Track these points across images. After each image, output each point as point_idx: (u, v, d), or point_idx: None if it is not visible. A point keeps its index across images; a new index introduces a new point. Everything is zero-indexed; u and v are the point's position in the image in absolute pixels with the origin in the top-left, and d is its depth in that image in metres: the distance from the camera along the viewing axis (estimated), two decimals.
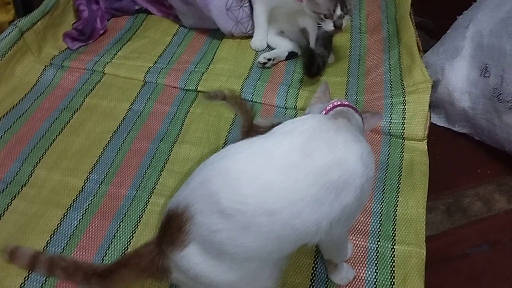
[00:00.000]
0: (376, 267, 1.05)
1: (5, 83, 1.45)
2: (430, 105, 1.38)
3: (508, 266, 1.14)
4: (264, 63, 1.57)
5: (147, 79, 1.51)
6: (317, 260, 1.05)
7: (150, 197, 1.17)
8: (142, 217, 1.13)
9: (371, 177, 0.81)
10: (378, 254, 1.07)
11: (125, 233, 1.09)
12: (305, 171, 0.74)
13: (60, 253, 1.04)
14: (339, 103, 0.88)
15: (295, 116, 1.42)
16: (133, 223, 1.11)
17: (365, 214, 1.14)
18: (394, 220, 1.14)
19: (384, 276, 1.03)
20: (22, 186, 1.17)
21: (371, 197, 1.18)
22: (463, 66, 1.40)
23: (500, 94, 1.28)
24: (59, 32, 1.64)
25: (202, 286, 0.80)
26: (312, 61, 1.46)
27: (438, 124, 1.50)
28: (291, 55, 1.63)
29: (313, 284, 1.02)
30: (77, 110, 1.40)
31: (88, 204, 1.15)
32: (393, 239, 1.10)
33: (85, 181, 1.20)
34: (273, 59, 1.58)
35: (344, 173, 0.76)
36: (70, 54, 1.59)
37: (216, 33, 1.73)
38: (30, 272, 0.99)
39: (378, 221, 1.13)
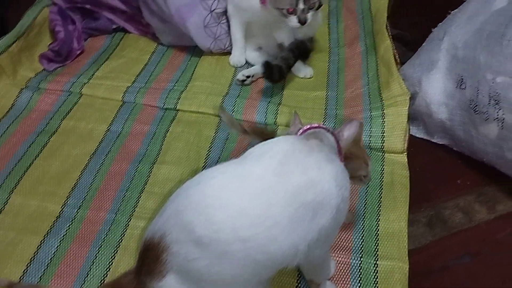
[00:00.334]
0: (359, 284, 1.04)
1: None
2: (409, 117, 1.40)
3: (489, 277, 1.14)
4: (243, 81, 1.57)
5: (125, 99, 1.50)
6: (300, 279, 1.04)
7: (130, 220, 1.15)
8: (121, 241, 1.11)
9: (346, 197, 0.80)
10: (361, 270, 1.07)
11: (104, 258, 1.07)
12: (279, 195, 0.74)
13: (37, 282, 1.02)
14: (308, 126, 0.88)
15: (275, 132, 1.43)
16: (113, 248, 1.09)
17: (347, 230, 1.14)
18: (377, 235, 1.14)
19: None
20: None
21: (352, 212, 1.18)
22: (439, 78, 1.41)
23: (476, 106, 1.29)
24: (35, 54, 1.62)
25: None
26: (269, 67, 1.46)
27: (417, 136, 1.51)
28: None
29: None
30: (54, 133, 1.38)
31: (66, 230, 1.12)
32: (376, 255, 1.09)
33: (63, 206, 1.18)
34: (252, 76, 1.58)
35: (318, 194, 0.75)
36: (47, 75, 1.57)
37: (194, 50, 1.73)
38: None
39: (360, 237, 1.13)
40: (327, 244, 0.85)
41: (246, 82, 1.58)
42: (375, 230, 1.15)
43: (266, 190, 0.74)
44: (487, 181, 1.37)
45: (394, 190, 1.24)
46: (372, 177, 1.27)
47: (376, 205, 1.20)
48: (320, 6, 1.46)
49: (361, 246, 1.11)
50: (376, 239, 1.13)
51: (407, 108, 1.38)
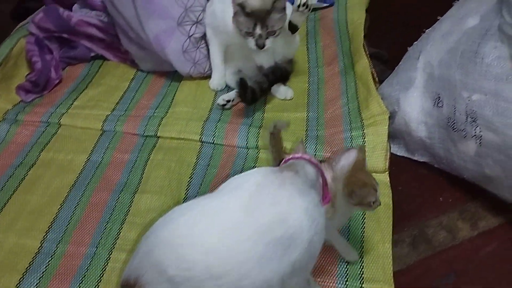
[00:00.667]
0: None
1: None
2: (389, 136, 1.40)
3: None
4: (224, 105, 1.57)
5: (105, 128, 1.48)
6: None
7: (111, 253, 1.13)
8: (103, 276, 1.09)
9: (320, 230, 0.80)
10: None
11: None
12: (249, 231, 0.74)
13: None
14: (290, 157, 0.88)
15: (257, 156, 1.42)
16: (94, 283, 1.07)
17: (332, 254, 1.13)
18: (361, 257, 1.13)
19: None
20: None
21: None
22: (417, 96, 1.43)
23: (454, 123, 1.31)
24: (12, 85, 1.60)
25: None
26: (244, 86, 1.47)
27: (398, 154, 1.52)
28: None
29: None
30: (32, 165, 1.36)
31: (46, 266, 1.10)
32: (361, 278, 1.09)
33: (42, 242, 1.15)
34: (232, 100, 1.58)
35: (288, 229, 0.75)
36: (24, 107, 1.55)
37: (174, 75, 1.73)
38: None
39: (345, 261, 1.12)
40: (303, 274, 0.85)
41: (226, 106, 1.58)
42: (360, 252, 1.14)
43: (237, 226, 0.74)
44: (469, 198, 1.38)
45: (377, 211, 1.22)
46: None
47: (360, 227, 1.20)
48: (278, 34, 1.48)
49: (346, 269, 1.10)
50: (361, 262, 1.12)
51: (386, 127, 1.39)
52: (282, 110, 1.60)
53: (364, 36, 1.82)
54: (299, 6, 1.45)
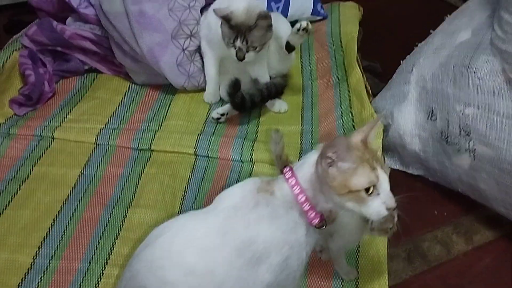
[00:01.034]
0: None
1: None
2: (383, 149, 1.41)
3: None
4: (218, 119, 1.57)
5: (98, 141, 1.48)
6: None
7: (104, 269, 1.12)
8: None
9: (297, 251, 0.81)
10: None
11: None
12: (223, 253, 0.76)
13: None
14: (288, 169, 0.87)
15: (251, 169, 1.42)
16: None
17: (328, 269, 1.13)
18: (357, 273, 1.13)
19: None
20: None
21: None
22: (410, 110, 1.43)
23: (447, 137, 1.31)
24: (5, 99, 1.59)
25: None
26: (236, 85, 1.48)
27: (392, 167, 1.52)
28: None
29: None
30: (25, 180, 1.34)
31: (38, 282, 1.09)
32: None
33: (34, 257, 1.14)
34: (227, 114, 1.57)
35: (255, 253, 0.77)
36: (17, 120, 1.54)
37: (168, 88, 1.73)
38: None
39: (341, 282, 1.12)
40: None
41: (221, 120, 1.57)
42: (355, 267, 1.14)
43: (212, 248, 0.76)
44: (464, 211, 1.38)
45: None
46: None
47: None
48: (260, 49, 1.50)
49: (342, 285, 1.11)
50: (356, 279, 1.12)
51: (380, 140, 1.39)
52: (276, 123, 1.60)
53: (357, 49, 1.84)
54: (298, 30, 1.47)
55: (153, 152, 1.45)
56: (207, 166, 1.41)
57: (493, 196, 1.25)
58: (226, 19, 1.44)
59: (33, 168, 1.38)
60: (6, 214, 1.24)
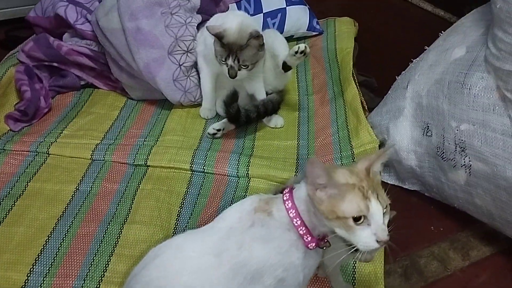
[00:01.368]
0: None
1: None
2: None
3: None
4: (214, 134, 1.57)
5: (94, 157, 1.47)
6: None
7: (99, 286, 1.11)
8: None
9: (288, 276, 0.80)
10: None
11: None
12: (218, 273, 0.76)
13: None
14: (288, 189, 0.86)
15: (248, 185, 1.41)
16: None
17: (323, 286, 1.12)
18: None
19: None
20: None
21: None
22: (406, 125, 1.44)
23: (443, 153, 1.31)
24: (1, 115, 1.59)
25: None
26: (233, 99, 1.49)
27: (389, 182, 1.52)
28: None
29: None
30: (19, 196, 1.33)
31: None
32: None
33: (28, 275, 1.12)
34: (223, 129, 1.58)
35: (247, 274, 0.77)
36: (13, 136, 1.54)
37: (165, 103, 1.73)
38: None
39: None
40: None
41: (217, 136, 1.58)
42: (352, 284, 1.13)
43: (207, 268, 0.77)
44: (460, 227, 1.38)
45: None
46: None
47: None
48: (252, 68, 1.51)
49: None
50: None
51: None
52: (272, 138, 1.61)
53: (353, 65, 1.85)
54: (296, 52, 1.48)
55: (149, 167, 1.45)
56: (203, 182, 1.41)
57: (489, 212, 1.25)
58: (218, 37, 1.45)
59: (28, 184, 1.37)
60: (0, 231, 1.23)
